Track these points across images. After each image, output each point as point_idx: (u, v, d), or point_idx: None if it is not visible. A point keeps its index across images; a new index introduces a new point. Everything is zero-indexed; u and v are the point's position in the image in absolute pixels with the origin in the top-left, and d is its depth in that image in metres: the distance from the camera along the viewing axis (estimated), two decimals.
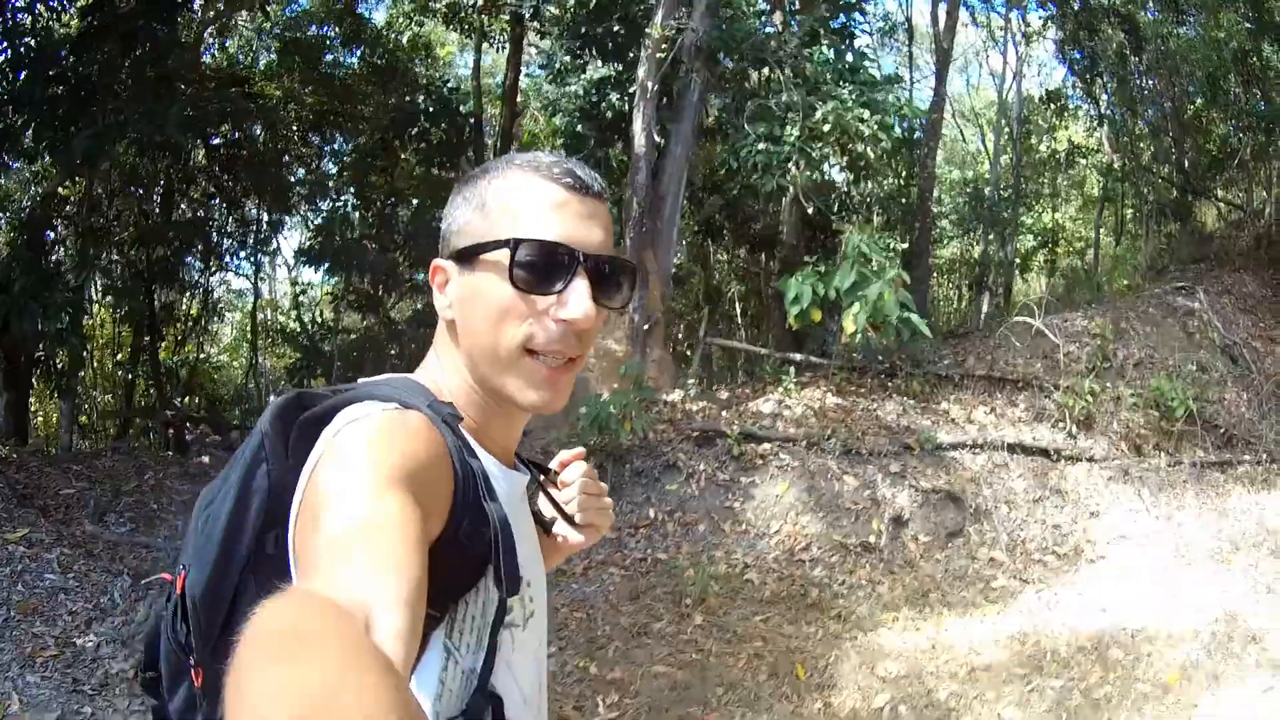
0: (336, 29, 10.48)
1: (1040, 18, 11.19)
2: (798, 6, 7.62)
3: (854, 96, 6.93)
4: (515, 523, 0.89)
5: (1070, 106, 11.68)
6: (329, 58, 10.68)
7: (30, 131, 6.43)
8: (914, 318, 6.33)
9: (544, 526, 1.16)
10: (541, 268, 0.88)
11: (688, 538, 5.99)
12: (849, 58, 7.33)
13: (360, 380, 0.95)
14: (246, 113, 9.77)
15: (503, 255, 0.88)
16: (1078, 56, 10.45)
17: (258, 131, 10.23)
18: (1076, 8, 9.96)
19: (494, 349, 0.91)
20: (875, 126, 6.81)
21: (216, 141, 9.86)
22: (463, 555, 0.81)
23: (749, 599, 5.25)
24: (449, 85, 10.98)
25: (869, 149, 6.87)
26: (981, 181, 12.69)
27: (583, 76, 8.72)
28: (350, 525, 0.69)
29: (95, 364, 10.96)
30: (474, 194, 0.94)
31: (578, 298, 0.89)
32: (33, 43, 6.26)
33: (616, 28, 8.58)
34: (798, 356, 7.97)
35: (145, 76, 6.82)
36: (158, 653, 0.95)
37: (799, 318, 6.56)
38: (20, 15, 6.45)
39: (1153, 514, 6.24)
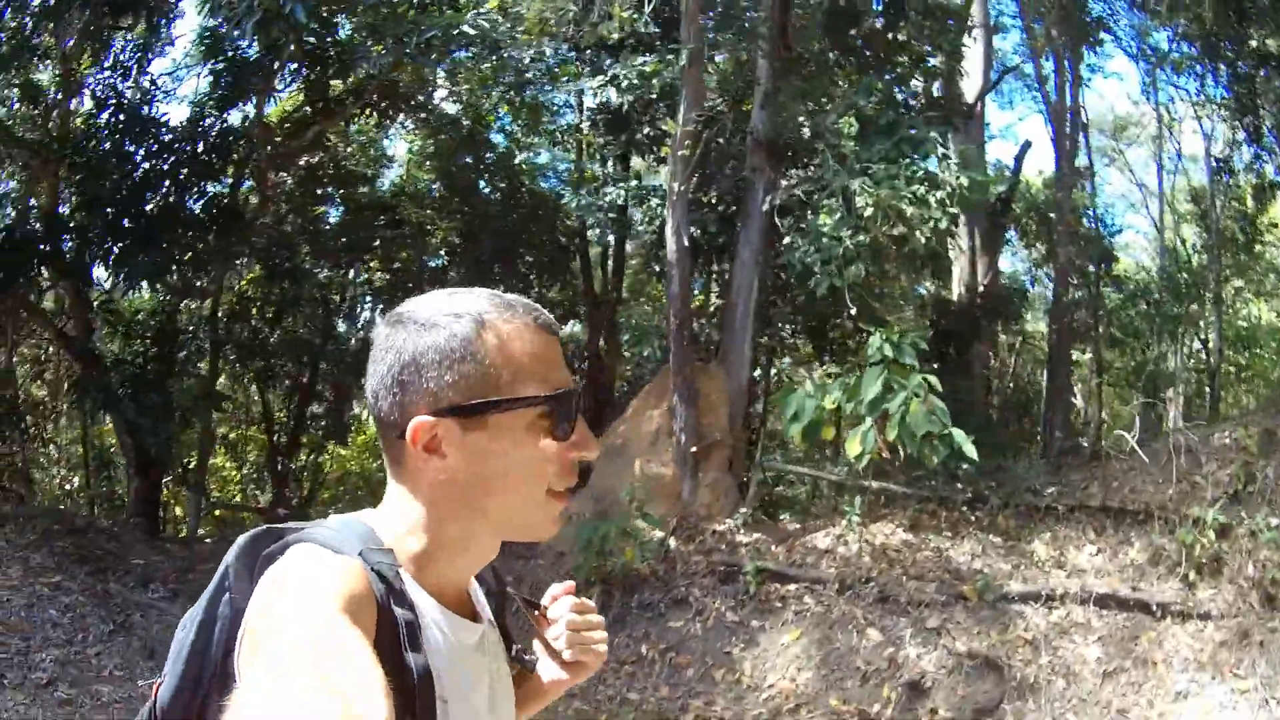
0: (470, 158, 11.28)
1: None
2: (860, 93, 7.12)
3: (909, 174, 6.35)
4: (455, 671, 0.92)
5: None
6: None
7: (111, 259, 7.69)
8: (956, 433, 5.46)
9: (526, 665, 1.17)
10: (565, 417, 0.93)
11: (671, 681, 5.52)
12: (910, 133, 6.69)
13: (316, 520, 0.98)
14: (399, 239, 10.99)
15: (529, 411, 0.91)
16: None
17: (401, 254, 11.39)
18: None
19: (527, 503, 0.94)
20: (934, 205, 6.17)
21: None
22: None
23: None
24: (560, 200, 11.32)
25: (919, 233, 6.17)
26: (1145, 274, 10.97)
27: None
28: (315, 636, 0.71)
29: (227, 461, 12.53)
30: (459, 344, 0.92)
31: (587, 436, 0.96)
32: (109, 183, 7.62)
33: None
34: (873, 484, 7.21)
35: (215, 211, 7.97)
36: None
37: (804, 436, 5.93)
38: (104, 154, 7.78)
39: (1260, 695, 4.81)
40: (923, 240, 6.29)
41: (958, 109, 9.44)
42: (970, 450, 5.43)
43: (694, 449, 7.20)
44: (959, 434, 5.44)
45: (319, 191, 10.83)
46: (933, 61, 8.87)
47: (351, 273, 11.58)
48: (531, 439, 0.91)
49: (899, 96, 7.61)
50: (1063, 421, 9.06)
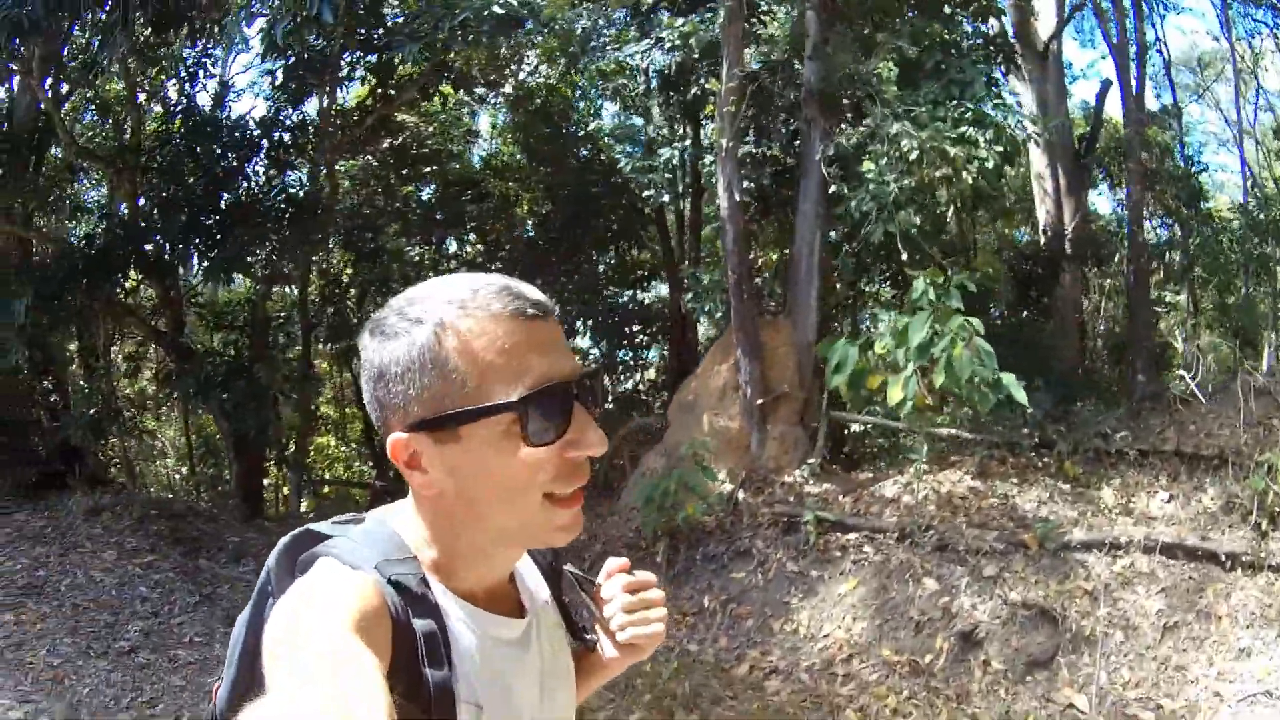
0: (548, 128, 11.51)
1: None
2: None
3: (956, 116, 6.23)
4: (490, 671, 0.92)
5: None
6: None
7: (193, 256, 8.22)
8: (1006, 377, 5.37)
9: (585, 644, 1.17)
10: (547, 417, 0.86)
11: (730, 631, 5.67)
12: (959, 74, 6.52)
13: (350, 521, 0.99)
14: (488, 212, 11.36)
15: (500, 419, 0.85)
16: None
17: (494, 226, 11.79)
18: None
19: (523, 514, 0.89)
20: (984, 146, 6.04)
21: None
22: (399, 713, 0.80)
23: (747, 710, 4.86)
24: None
25: (966, 173, 6.03)
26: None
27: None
28: (322, 659, 0.72)
29: (332, 440, 13.19)
30: (419, 353, 0.87)
31: (587, 429, 0.89)
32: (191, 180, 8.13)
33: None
34: (941, 432, 7.15)
35: (290, 201, 8.41)
36: None
37: (849, 386, 5.92)
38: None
39: None
40: (969, 181, 6.15)
41: (1028, 49, 9.11)
42: (1020, 395, 5.35)
43: (760, 402, 7.28)
44: (1008, 378, 5.35)
45: (404, 171, 11.26)
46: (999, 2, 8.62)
47: (449, 245, 12.01)
48: (510, 446, 0.86)
49: (951, 38, 7.38)
50: (1146, 365, 8.71)
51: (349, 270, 10.83)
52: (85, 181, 9.43)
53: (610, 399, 11.46)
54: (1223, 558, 5.33)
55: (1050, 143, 10.05)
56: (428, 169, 11.28)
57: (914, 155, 6.20)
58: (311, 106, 9.57)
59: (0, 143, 7.73)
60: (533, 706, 0.97)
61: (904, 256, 6.76)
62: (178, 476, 11.95)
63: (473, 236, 11.90)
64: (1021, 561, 5.56)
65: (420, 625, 0.84)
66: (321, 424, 12.56)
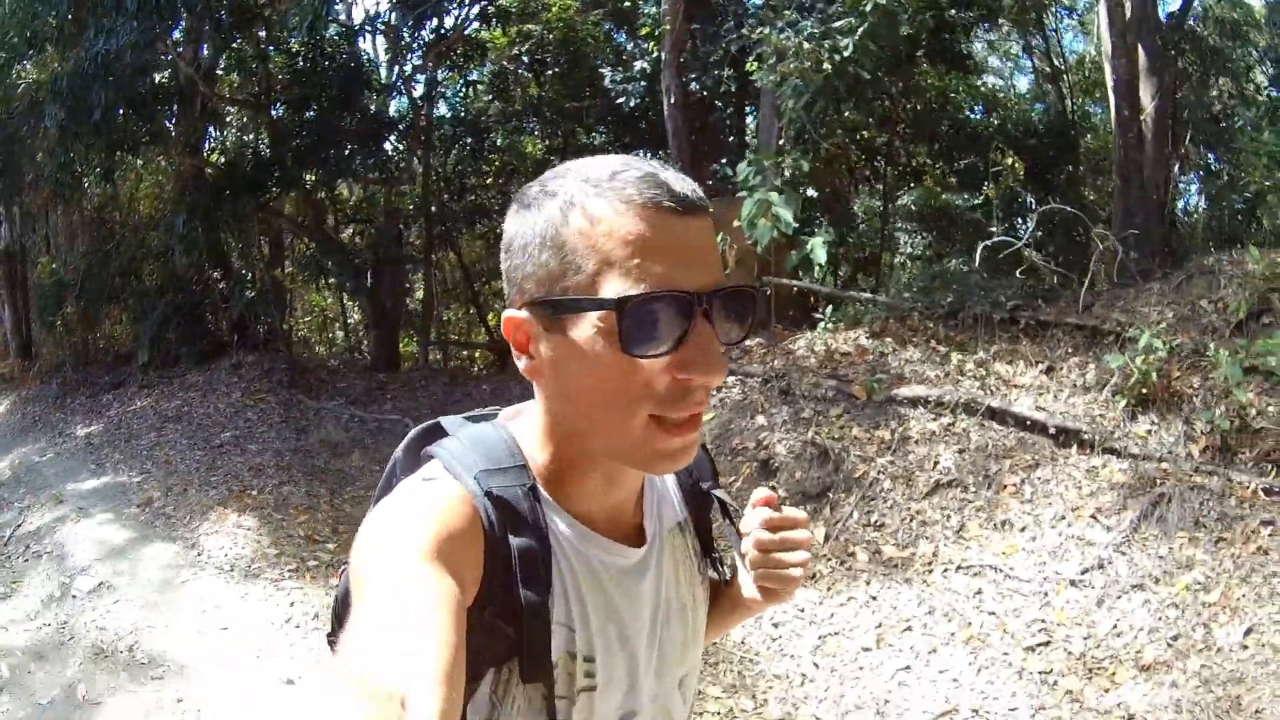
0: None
1: None
2: None
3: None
4: (596, 595, 0.90)
5: None
6: None
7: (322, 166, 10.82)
8: (813, 242, 6.35)
9: (718, 577, 1.14)
10: (656, 325, 0.77)
11: None
12: None
13: (474, 418, 1.00)
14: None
15: (604, 315, 0.78)
16: None
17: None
18: None
19: (613, 428, 0.82)
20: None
21: None
22: (491, 633, 0.82)
23: None
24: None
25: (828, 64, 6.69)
26: None
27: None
28: (388, 594, 0.70)
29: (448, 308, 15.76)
30: (544, 228, 0.81)
31: (704, 352, 0.79)
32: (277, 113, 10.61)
33: None
34: (866, 295, 7.95)
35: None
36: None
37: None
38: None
39: (1108, 549, 4.64)
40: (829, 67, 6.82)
41: None
42: (820, 256, 6.33)
43: (725, 270, 8.61)
44: (814, 242, 6.31)
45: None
46: None
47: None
48: (612, 349, 0.78)
49: None
50: (1138, 240, 8.60)
51: (458, 167, 13.12)
52: (230, 122, 12.52)
53: None
54: (1052, 430, 5.55)
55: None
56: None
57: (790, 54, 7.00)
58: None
59: (169, 95, 10.84)
60: (643, 636, 0.96)
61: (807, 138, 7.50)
62: (336, 344, 15.42)
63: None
64: (840, 409, 6.51)
65: (517, 543, 0.83)
66: (446, 295, 15.31)
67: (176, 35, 10.14)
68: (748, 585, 1.10)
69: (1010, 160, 11.21)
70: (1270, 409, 5.09)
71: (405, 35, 11.61)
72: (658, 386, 0.80)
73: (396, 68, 12.22)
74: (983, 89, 12.77)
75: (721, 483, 1.13)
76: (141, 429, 8.68)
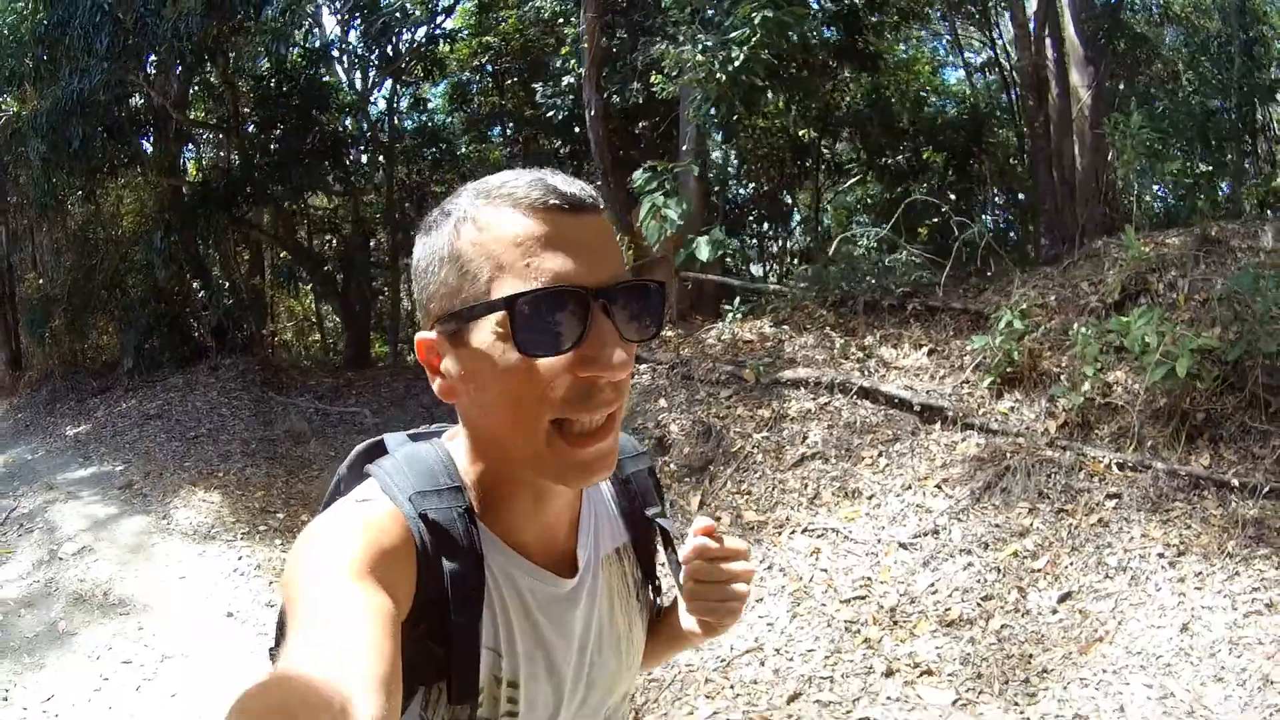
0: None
1: None
2: None
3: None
4: (525, 623, 0.93)
5: None
6: None
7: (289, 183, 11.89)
8: (700, 240, 7.37)
9: (657, 603, 1.15)
10: (550, 322, 0.79)
11: None
12: None
13: (414, 436, 1.02)
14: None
15: (498, 318, 0.80)
16: None
17: None
18: None
19: (520, 438, 0.84)
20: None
21: None
22: (422, 652, 0.84)
23: None
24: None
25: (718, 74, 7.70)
26: None
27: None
28: (322, 610, 0.72)
29: (413, 313, 16.61)
30: (441, 246, 0.84)
31: (602, 345, 0.80)
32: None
33: None
34: (773, 286, 8.93)
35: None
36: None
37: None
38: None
39: (942, 516, 5.09)
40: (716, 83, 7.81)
41: None
42: (702, 254, 7.32)
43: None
44: (700, 241, 7.33)
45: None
46: None
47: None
48: (509, 351, 0.80)
49: None
50: (1049, 225, 9.52)
51: (418, 176, 14.17)
52: (204, 141, 13.63)
53: None
54: (917, 408, 6.08)
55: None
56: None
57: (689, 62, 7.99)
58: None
59: (145, 121, 11.90)
60: (569, 665, 0.97)
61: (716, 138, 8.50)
62: (309, 346, 16.51)
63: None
64: (731, 390, 7.48)
65: (449, 566, 0.85)
66: (409, 297, 16.33)
67: (149, 69, 11.10)
68: (686, 616, 1.09)
69: (927, 154, 12.26)
70: (1136, 387, 5.38)
71: (361, 55, 12.69)
72: (559, 388, 0.80)
73: (359, 86, 13.26)
74: (914, 85, 13.61)
75: (666, 511, 1.13)
76: (125, 426, 9.71)
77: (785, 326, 8.30)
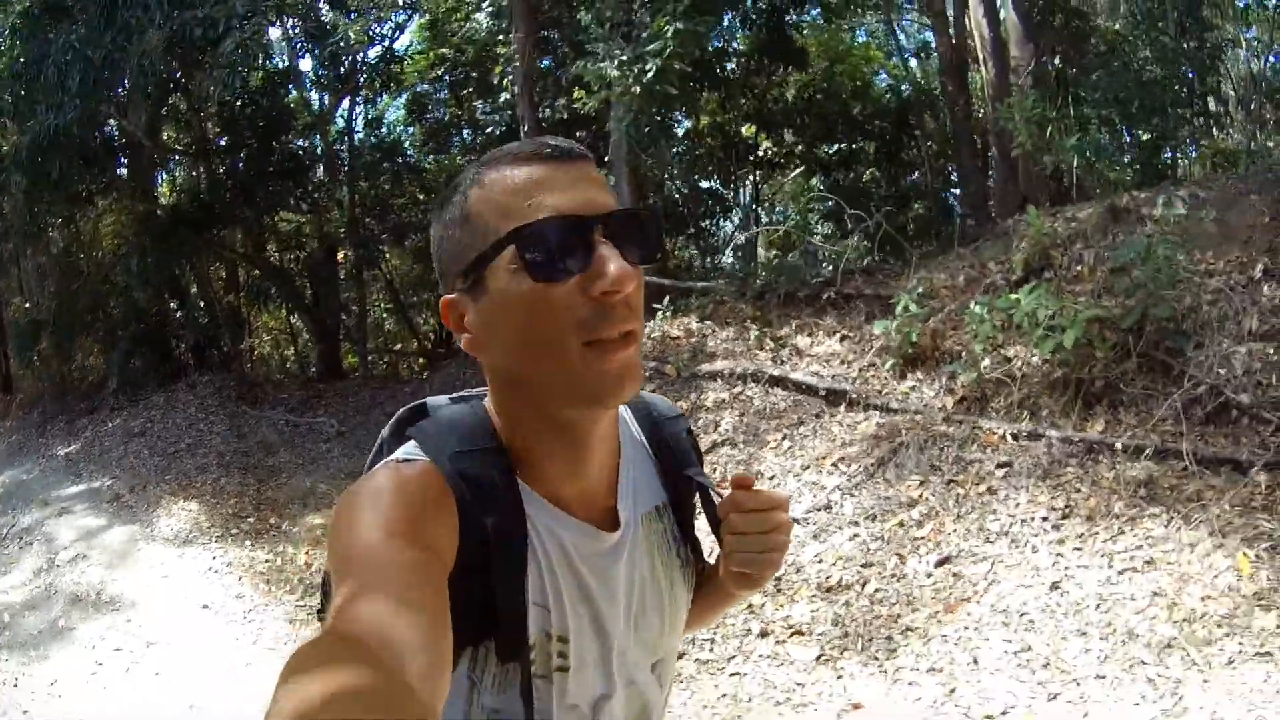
0: None
1: None
2: None
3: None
4: (570, 578, 0.96)
5: None
6: None
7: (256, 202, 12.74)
8: None
9: (699, 564, 1.16)
10: (556, 249, 0.86)
11: None
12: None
13: (455, 399, 1.06)
14: None
15: (509, 255, 0.87)
16: None
17: None
18: None
19: (552, 365, 0.88)
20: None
21: None
22: (467, 611, 0.85)
23: None
24: None
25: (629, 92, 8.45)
26: None
27: None
28: (369, 567, 0.76)
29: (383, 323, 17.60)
30: (454, 214, 0.92)
31: (607, 264, 0.86)
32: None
33: None
34: (700, 285, 9.77)
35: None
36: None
37: None
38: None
39: (834, 493, 5.49)
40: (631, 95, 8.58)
41: None
42: None
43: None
44: None
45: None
46: None
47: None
48: (525, 284, 0.86)
49: None
50: (973, 199, 10.23)
51: (376, 191, 14.96)
52: (177, 164, 14.48)
53: None
54: (823, 392, 6.58)
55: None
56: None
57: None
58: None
59: (120, 149, 12.72)
60: (618, 620, 1.01)
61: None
62: (286, 360, 17.33)
63: None
64: (654, 386, 8.23)
65: (491, 521, 0.89)
66: (384, 309, 17.20)
67: (121, 99, 11.89)
68: (726, 572, 1.09)
69: (856, 144, 13.05)
70: (1036, 360, 5.68)
71: (316, 77, 13.52)
72: (580, 312, 0.86)
73: (316, 107, 14.05)
74: (853, 74, 14.26)
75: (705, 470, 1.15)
76: (112, 444, 10.58)
77: (709, 322, 9.04)
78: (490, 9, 10.66)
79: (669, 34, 8.53)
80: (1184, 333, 5.37)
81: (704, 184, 13.74)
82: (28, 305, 14.37)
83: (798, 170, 13.70)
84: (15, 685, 5.13)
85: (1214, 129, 11.31)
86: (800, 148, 13.59)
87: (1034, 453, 5.17)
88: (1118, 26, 11.75)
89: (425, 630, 0.70)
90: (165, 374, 12.44)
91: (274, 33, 12.16)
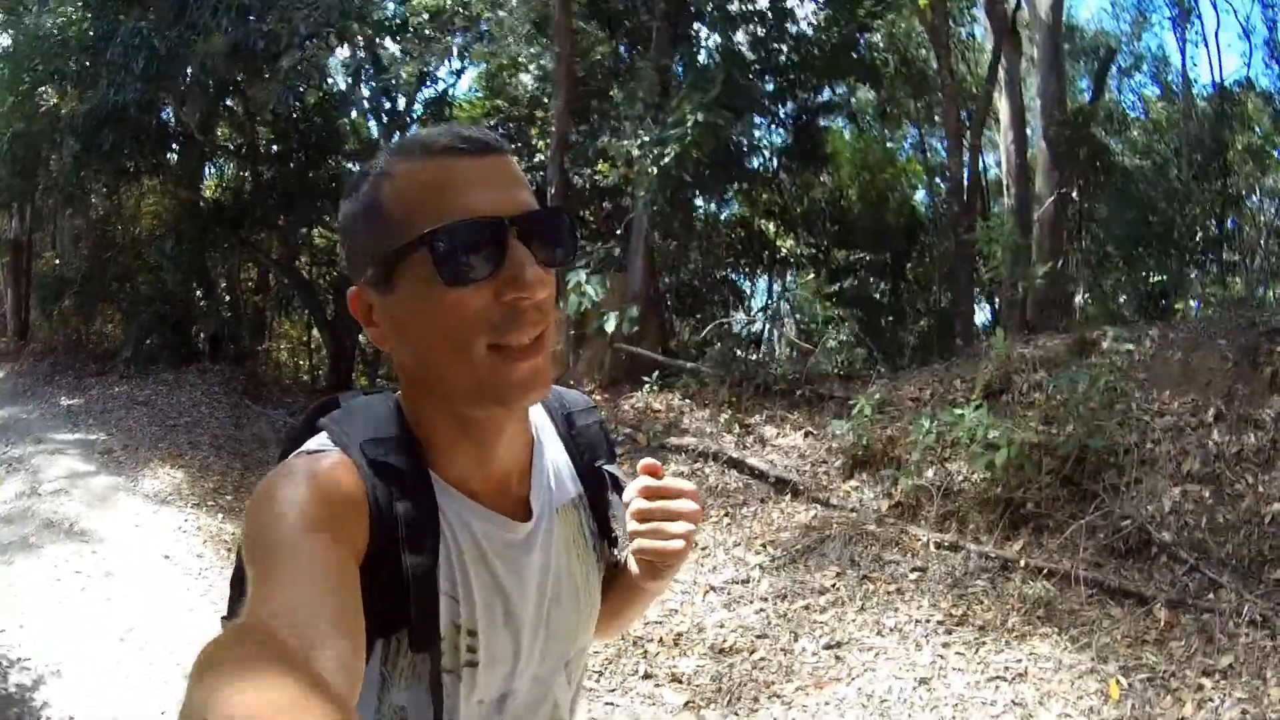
0: None
1: None
2: None
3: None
4: (481, 568, 0.96)
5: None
6: None
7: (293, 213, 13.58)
8: (609, 317, 8.83)
9: (612, 558, 1.16)
10: (468, 251, 0.86)
11: None
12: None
13: (364, 394, 1.04)
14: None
15: (421, 256, 0.86)
16: None
17: None
18: None
19: (458, 367, 0.89)
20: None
21: None
22: (379, 603, 0.85)
23: None
24: None
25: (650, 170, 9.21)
26: None
27: None
28: (282, 560, 0.76)
29: None
30: (363, 203, 0.91)
31: (521, 268, 0.87)
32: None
33: None
34: (689, 365, 10.41)
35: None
36: None
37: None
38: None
39: (715, 575, 6.04)
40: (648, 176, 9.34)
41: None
42: (609, 326, 8.88)
43: (571, 331, 10.74)
44: (611, 315, 8.95)
45: None
46: None
47: None
48: (436, 288, 0.86)
49: None
50: (963, 327, 10.89)
51: None
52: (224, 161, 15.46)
53: None
54: (773, 479, 7.13)
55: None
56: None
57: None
58: None
59: (173, 136, 13.66)
60: (529, 613, 1.01)
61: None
62: (299, 369, 17.99)
63: None
64: (623, 450, 8.76)
65: (402, 510, 0.89)
66: None
67: (180, 91, 12.75)
68: (634, 563, 1.09)
69: (876, 253, 13.79)
70: (976, 476, 6.05)
71: (372, 107, 14.57)
72: (490, 315, 0.87)
73: (366, 135, 15.02)
74: (882, 181, 14.91)
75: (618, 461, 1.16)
76: (115, 406, 11.18)
77: (690, 401, 9.70)
78: (537, 72, 11.54)
79: (690, 123, 9.27)
80: (1118, 466, 5.67)
81: (719, 273, 14.47)
82: (58, 261, 15.06)
83: (810, 276, 14.47)
84: None
85: (1226, 276, 11.61)
86: (816, 252, 14.29)
87: (950, 562, 5.59)
88: (1137, 161, 12.33)
89: (338, 622, 0.72)
90: (179, 356, 13.01)
91: (341, 52, 13.12)
